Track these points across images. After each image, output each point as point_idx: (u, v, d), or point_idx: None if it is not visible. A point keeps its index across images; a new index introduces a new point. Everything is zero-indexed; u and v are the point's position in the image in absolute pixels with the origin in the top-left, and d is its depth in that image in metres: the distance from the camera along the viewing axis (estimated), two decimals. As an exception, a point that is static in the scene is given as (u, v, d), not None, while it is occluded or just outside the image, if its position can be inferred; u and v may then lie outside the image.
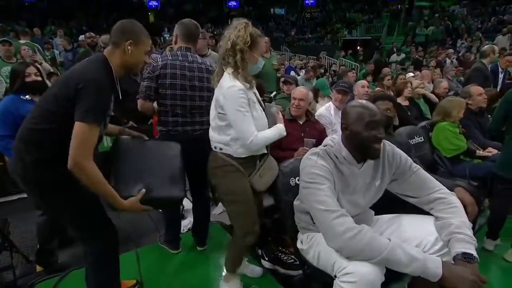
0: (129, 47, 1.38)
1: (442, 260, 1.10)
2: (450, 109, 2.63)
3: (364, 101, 1.41)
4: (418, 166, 1.45)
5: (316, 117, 2.77)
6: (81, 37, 6.73)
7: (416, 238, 1.30)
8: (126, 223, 2.66)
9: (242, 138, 1.51)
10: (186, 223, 2.69)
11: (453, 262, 1.15)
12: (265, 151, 1.70)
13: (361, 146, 1.32)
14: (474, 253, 1.14)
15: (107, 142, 3.49)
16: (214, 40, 4.95)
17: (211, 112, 1.63)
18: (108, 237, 1.54)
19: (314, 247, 1.43)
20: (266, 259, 2.13)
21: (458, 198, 1.78)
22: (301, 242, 1.56)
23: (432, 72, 5.01)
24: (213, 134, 1.64)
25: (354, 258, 1.14)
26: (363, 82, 3.34)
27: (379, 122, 1.29)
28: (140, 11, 18.13)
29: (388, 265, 1.10)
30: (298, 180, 1.84)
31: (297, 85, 3.59)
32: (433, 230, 1.29)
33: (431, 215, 1.39)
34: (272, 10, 20.70)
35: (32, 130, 1.31)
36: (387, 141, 1.48)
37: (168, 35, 13.07)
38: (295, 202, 1.64)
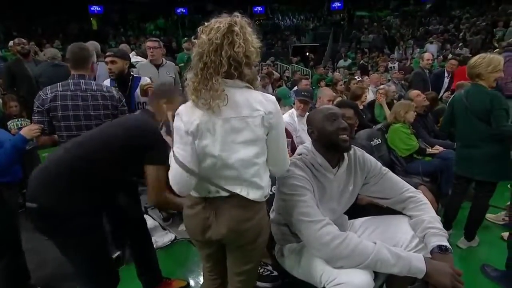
0: None
1: (423, 256, 1.15)
2: (398, 110, 2.85)
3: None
4: (387, 168, 1.51)
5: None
6: (11, 43, 5.98)
7: (393, 238, 1.35)
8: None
9: None
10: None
11: (430, 256, 1.21)
12: None
13: (330, 142, 1.34)
14: (448, 244, 1.22)
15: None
16: (164, 50, 4.77)
17: None
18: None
19: (294, 258, 1.41)
20: (241, 273, 2.05)
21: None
22: (281, 254, 1.53)
23: (380, 77, 5.40)
24: None
25: (344, 266, 1.14)
26: (329, 94, 3.24)
27: (337, 114, 1.36)
28: (81, 16, 16.87)
29: (377, 267, 1.12)
30: (272, 191, 1.83)
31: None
32: (407, 229, 1.35)
33: (401, 214, 1.46)
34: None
35: None
36: (356, 146, 1.53)
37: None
38: (271, 215, 1.61)
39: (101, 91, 1.87)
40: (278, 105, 1.18)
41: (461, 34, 11.99)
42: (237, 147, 1.09)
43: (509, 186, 3.14)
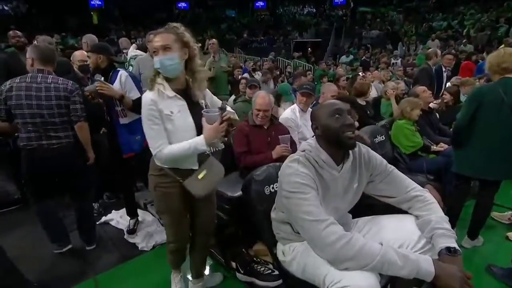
0: None
1: (432, 258, 1.10)
2: (405, 106, 2.79)
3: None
4: (392, 166, 1.46)
5: (282, 121, 2.74)
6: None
7: (399, 239, 1.30)
8: (81, 245, 2.40)
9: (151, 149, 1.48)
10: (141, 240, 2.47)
11: (437, 257, 1.17)
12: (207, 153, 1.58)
13: (335, 139, 1.29)
14: (456, 246, 1.17)
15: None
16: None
17: None
18: None
19: (298, 258, 1.36)
20: (242, 271, 2.02)
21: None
22: (283, 254, 1.48)
23: (384, 73, 5.32)
24: None
25: (349, 267, 1.09)
26: (333, 90, 3.13)
27: (342, 109, 1.30)
28: (81, 10, 16.74)
29: (384, 269, 1.07)
30: (273, 188, 1.80)
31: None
32: (414, 229, 1.30)
33: (407, 213, 1.41)
34: (223, 12, 20.56)
35: None
36: (361, 144, 1.47)
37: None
38: (273, 213, 1.57)
39: (55, 83, 2.06)
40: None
41: (465, 30, 11.86)
42: None
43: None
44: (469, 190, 2.37)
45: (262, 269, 1.98)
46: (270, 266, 2.00)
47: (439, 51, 4.63)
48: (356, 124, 2.32)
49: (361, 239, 1.12)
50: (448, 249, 1.16)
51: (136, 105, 2.23)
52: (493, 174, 2.09)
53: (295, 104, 3.04)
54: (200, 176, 1.53)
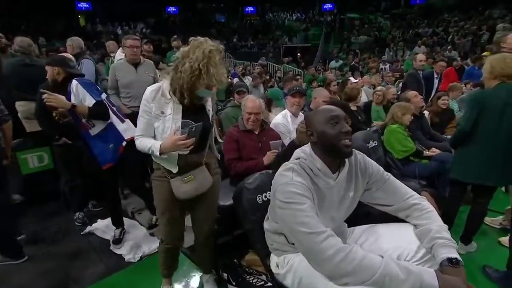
0: None
1: (434, 270, 1.06)
2: (396, 111, 2.78)
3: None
4: (389, 173, 1.42)
5: (273, 126, 2.70)
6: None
7: (397, 249, 1.26)
8: (63, 257, 2.28)
9: None
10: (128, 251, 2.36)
11: (438, 268, 1.13)
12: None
13: (331, 147, 1.25)
14: (458, 256, 1.13)
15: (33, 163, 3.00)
16: (151, 46, 4.64)
17: None
18: None
19: (293, 271, 1.31)
20: (234, 283, 1.94)
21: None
22: (277, 266, 1.42)
23: (376, 78, 5.36)
24: None
25: (349, 283, 1.04)
26: (325, 95, 3.12)
27: (340, 116, 1.26)
28: (68, 12, 16.43)
29: (385, 283, 1.02)
30: (265, 197, 1.74)
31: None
32: (413, 238, 1.26)
33: (404, 222, 1.37)
34: (213, 16, 20.55)
35: None
36: (357, 150, 1.43)
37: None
38: (265, 223, 1.51)
39: None
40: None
41: (449, 37, 12.17)
42: None
43: (503, 189, 3.13)
44: (463, 196, 2.36)
45: (255, 280, 1.89)
46: (264, 277, 1.91)
47: (418, 56, 4.72)
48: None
49: (360, 252, 1.06)
50: (450, 260, 1.11)
51: (96, 112, 2.16)
52: (494, 180, 2.06)
53: (285, 110, 3.00)
54: (185, 180, 1.57)
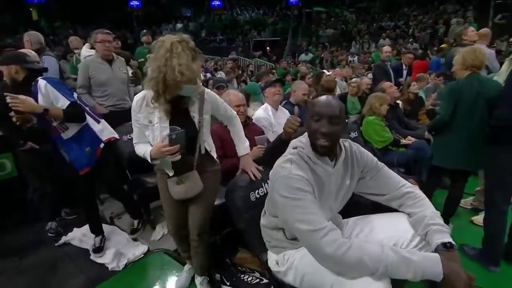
0: None
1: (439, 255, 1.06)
2: (374, 102, 2.86)
3: (325, 96, 1.32)
4: (382, 163, 1.44)
5: (255, 121, 2.66)
6: None
7: (393, 238, 1.27)
8: (38, 271, 2.12)
9: None
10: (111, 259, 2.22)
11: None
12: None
13: (311, 140, 1.25)
14: (452, 240, 1.15)
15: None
16: (119, 42, 4.41)
17: None
18: None
19: (294, 268, 1.29)
20: (228, 283, 1.91)
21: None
22: (276, 263, 1.40)
23: (345, 70, 5.50)
24: None
25: (353, 276, 1.04)
26: (304, 88, 3.12)
27: (323, 114, 1.20)
28: (16, 4, 15.04)
29: (388, 274, 1.03)
30: (258, 194, 1.71)
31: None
32: (407, 227, 1.28)
33: (396, 211, 1.39)
34: (178, 11, 19.91)
35: None
36: (351, 141, 1.44)
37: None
38: (262, 219, 1.48)
39: None
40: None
41: (410, 30, 12.80)
42: None
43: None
44: (440, 181, 2.51)
45: (250, 278, 1.88)
46: (257, 274, 1.91)
47: (384, 48, 4.92)
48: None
49: (360, 246, 1.06)
50: (445, 244, 1.12)
51: (72, 114, 1.98)
52: (471, 165, 2.20)
53: (266, 104, 2.98)
54: (177, 181, 1.63)
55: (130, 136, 2.72)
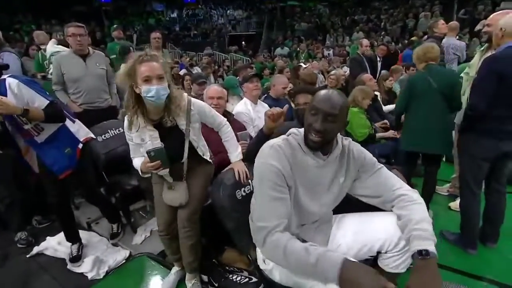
0: None
1: (345, 260, 0.99)
2: (357, 95, 2.89)
3: (331, 90, 1.29)
4: (381, 164, 1.37)
5: (235, 116, 2.61)
6: None
7: (379, 240, 1.25)
8: (12, 283, 1.98)
9: None
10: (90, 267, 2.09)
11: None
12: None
13: (305, 133, 1.24)
14: (431, 248, 1.06)
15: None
16: (89, 38, 4.18)
17: None
18: None
19: (280, 266, 1.24)
20: (216, 285, 1.86)
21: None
22: (263, 261, 1.37)
23: (322, 64, 5.54)
24: None
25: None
26: (284, 82, 3.08)
27: (319, 109, 1.17)
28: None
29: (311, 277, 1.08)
30: (245, 192, 1.67)
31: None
32: (394, 229, 1.23)
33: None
34: (150, 5, 19.21)
35: None
36: (350, 139, 1.39)
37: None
38: (250, 216, 1.44)
39: None
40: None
41: (382, 24, 13.13)
42: None
43: (443, 159, 3.48)
44: (414, 168, 2.65)
45: (239, 278, 1.84)
46: (246, 273, 1.87)
47: (364, 41, 4.98)
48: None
49: (291, 251, 1.06)
50: (420, 252, 1.06)
51: (52, 114, 1.85)
52: (431, 148, 2.40)
53: (245, 98, 2.93)
54: (169, 187, 1.72)
55: (105, 136, 2.60)
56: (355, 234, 1.34)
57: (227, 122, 1.86)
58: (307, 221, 1.33)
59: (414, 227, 1.12)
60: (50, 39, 3.74)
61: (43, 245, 2.32)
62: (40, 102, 1.81)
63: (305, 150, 1.23)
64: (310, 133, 1.19)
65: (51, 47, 3.32)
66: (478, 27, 7.01)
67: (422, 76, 2.34)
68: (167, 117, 1.57)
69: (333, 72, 4.28)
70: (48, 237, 2.39)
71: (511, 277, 1.91)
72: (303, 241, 1.11)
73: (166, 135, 1.61)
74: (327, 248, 1.10)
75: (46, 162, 1.92)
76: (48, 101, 1.83)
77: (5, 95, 1.72)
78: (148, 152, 1.51)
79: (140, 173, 1.66)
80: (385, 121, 3.12)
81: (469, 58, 3.68)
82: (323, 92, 1.23)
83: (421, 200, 1.25)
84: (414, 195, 1.27)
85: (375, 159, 1.37)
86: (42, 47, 3.76)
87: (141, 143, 1.61)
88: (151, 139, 1.58)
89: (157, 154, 1.51)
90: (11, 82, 1.75)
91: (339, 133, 1.34)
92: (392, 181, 1.31)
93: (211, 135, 2.28)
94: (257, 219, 1.17)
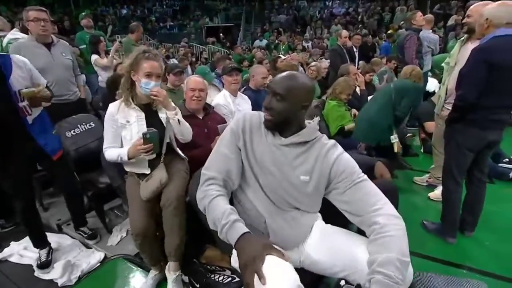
0: None
1: (246, 233, 1.07)
2: (336, 87, 2.86)
3: (287, 72, 1.27)
4: (365, 177, 1.22)
5: (214, 109, 2.52)
6: None
7: (350, 268, 1.16)
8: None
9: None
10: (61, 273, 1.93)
11: None
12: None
13: None
14: None
15: None
16: (55, 27, 3.92)
17: None
18: None
19: None
20: (197, 285, 1.77)
21: (379, 173, 1.93)
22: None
23: (301, 56, 5.50)
24: None
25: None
26: (263, 72, 3.02)
27: (270, 88, 1.23)
28: None
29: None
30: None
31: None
32: (364, 262, 1.11)
33: None
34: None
35: None
36: (333, 141, 1.31)
37: None
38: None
39: None
40: None
41: (359, 17, 13.30)
42: None
43: (421, 150, 3.58)
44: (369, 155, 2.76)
45: (221, 278, 1.76)
46: (228, 272, 1.80)
47: (343, 33, 4.96)
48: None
49: (214, 206, 1.16)
50: None
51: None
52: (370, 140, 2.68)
53: (224, 90, 2.83)
54: (148, 178, 1.71)
55: (75, 132, 2.42)
56: (328, 254, 1.24)
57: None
58: (266, 201, 1.27)
59: (377, 269, 1.01)
60: (12, 28, 3.43)
61: (6, 251, 2.13)
62: (43, 82, 1.92)
63: (264, 130, 1.28)
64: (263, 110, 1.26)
65: (12, 35, 3.03)
66: (450, 22, 7.23)
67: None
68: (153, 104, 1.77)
69: (313, 63, 4.24)
70: (12, 243, 2.20)
71: (489, 264, 1.96)
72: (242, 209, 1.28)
73: (151, 118, 1.76)
74: (238, 217, 1.12)
75: (39, 142, 1.87)
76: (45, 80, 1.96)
77: (11, 69, 1.74)
78: (144, 134, 1.59)
79: (125, 159, 1.67)
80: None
81: (441, 52, 3.78)
82: (282, 73, 1.25)
83: (398, 227, 1.09)
84: (390, 222, 1.09)
85: (358, 170, 1.23)
86: (1, 34, 3.44)
87: (125, 124, 1.71)
88: (137, 119, 1.71)
89: (152, 137, 1.60)
90: (18, 59, 1.83)
91: (319, 132, 1.32)
92: (372, 200, 1.16)
93: (192, 126, 2.14)
94: (204, 167, 1.29)
